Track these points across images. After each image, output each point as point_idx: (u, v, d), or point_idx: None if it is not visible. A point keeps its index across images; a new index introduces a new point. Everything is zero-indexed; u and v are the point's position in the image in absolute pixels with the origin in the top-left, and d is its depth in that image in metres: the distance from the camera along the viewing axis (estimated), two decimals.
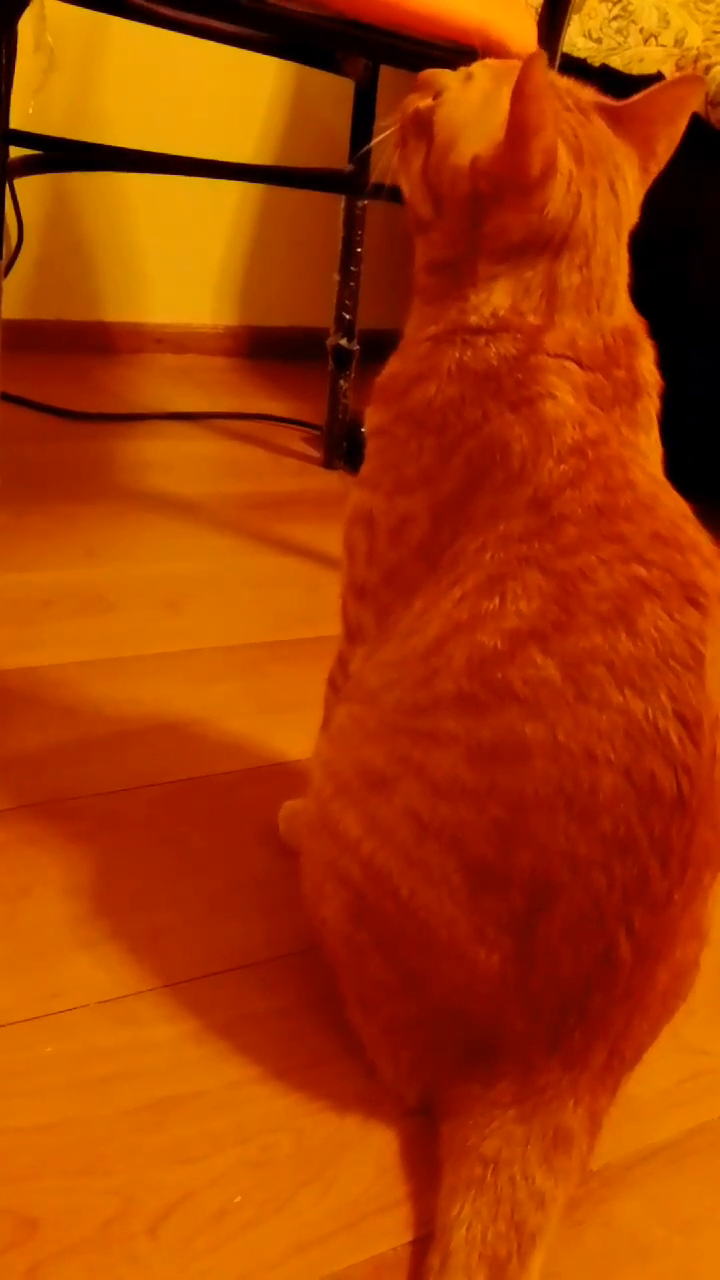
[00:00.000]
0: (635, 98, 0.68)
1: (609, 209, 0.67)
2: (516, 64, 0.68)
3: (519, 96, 0.61)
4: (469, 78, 0.69)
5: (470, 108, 0.67)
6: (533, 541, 0.63)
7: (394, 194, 0.73)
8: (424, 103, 0.70)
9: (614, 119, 0.68)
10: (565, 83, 0.69)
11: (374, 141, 0.73)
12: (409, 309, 0.74)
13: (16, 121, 1.11)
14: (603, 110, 0.68)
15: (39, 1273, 0.59)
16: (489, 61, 0.70)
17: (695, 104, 0.67)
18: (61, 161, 1.59)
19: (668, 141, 0.69)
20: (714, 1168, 0.71)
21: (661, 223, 0.76)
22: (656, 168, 0.70)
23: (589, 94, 0.69)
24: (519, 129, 0.62)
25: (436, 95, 0.69)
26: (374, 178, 0.74)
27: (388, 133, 0.72)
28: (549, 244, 0.66)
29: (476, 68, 0.69)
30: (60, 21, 1.79)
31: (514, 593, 0.62)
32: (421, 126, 0.69)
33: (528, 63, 0.60)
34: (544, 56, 0.60)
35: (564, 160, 0.65)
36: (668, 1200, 0.69)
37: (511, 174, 0.64)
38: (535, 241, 0.66)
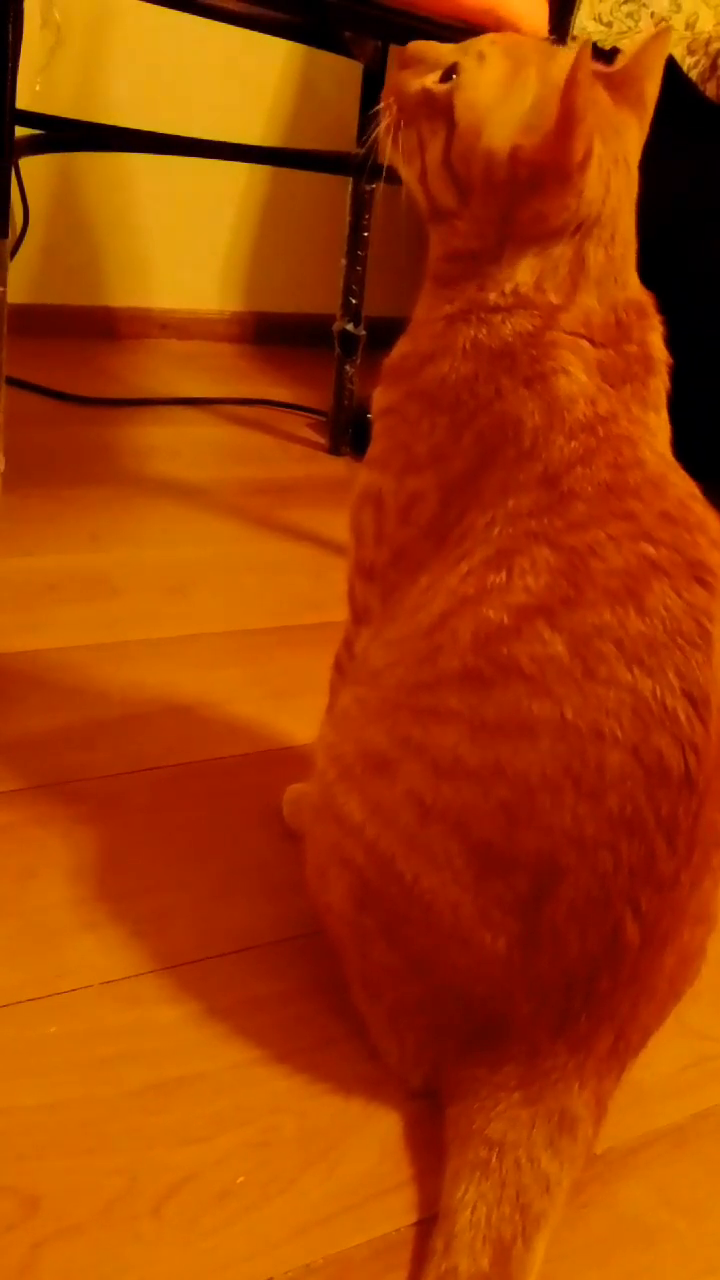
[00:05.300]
0: (623, 62, 0.69)
1: (626, 183, 0.67)
2: (525, 40, 0.67)
3: (572, 85, 0.60)
4: (481, 57, 0.66)
5: (492, 91, 0.65)
6: (542, 517, 0.63)
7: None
8: (432, 83, 0.67)
9: (609, 85, 0.68)
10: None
11: (377, 131, 0.70)
12: (417, 294, 0.72)
13: (22, 100, 1.10)
14: (600, 78, 0.67)
15: (42, 1251, 0.59)
16: (494, 37, 0.68)
17: (667, 50, 0.70)
18: (67, 141, 1.58)
19: (653, 89, 0.70)
20: (718, 1152, 0.71)
21: (675, 206, 0.75)
22: (649, 117, 0.70)
23: None
24: (569, 119, 0.61)
25: (449, 75, 0.66)
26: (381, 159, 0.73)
27: (386, 121, 0.69)
28: (581, 225, 0.65)
29: (485, 46, 0.67)
30: None
31: (522, 568, 0.62)
32: (436, 109, 0.66)
33: (580, 53, 0.59)
34: (589, 45, 0.59)
35: (595, 143, 0.64)
36: (672, 1184, 0.69)
37: (555, 162, 0.63)
38: (570, 223, 0.65)
